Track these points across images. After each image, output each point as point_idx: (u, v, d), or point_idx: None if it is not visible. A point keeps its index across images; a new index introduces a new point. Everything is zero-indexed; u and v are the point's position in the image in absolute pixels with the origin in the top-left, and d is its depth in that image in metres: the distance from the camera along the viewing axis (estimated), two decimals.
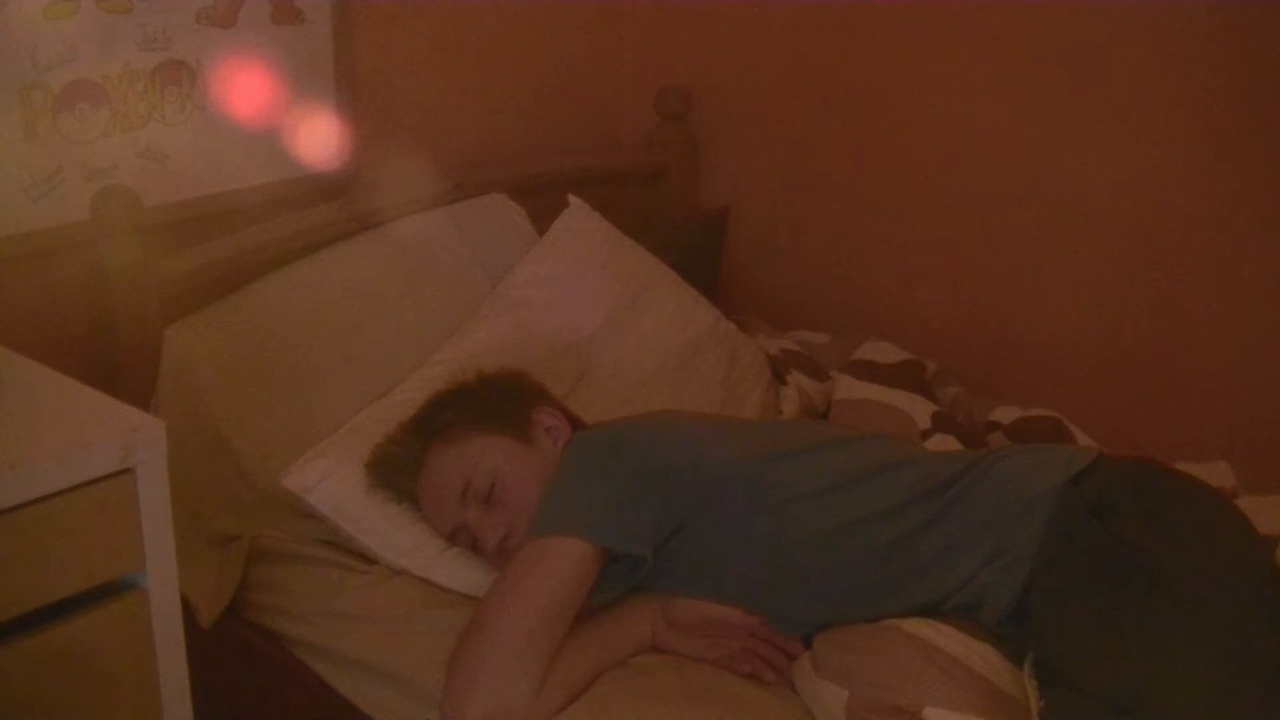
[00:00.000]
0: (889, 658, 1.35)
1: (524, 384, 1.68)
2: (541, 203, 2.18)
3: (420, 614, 1.53)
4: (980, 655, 1.37)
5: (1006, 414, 2.00)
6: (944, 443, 1.90)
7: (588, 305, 2.04)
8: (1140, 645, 1.29)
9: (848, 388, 2.05)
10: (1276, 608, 1.33)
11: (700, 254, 2.41)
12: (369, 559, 1.62)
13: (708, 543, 1.49)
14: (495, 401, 1.61)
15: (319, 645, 1.55)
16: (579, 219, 2.15)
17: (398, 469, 1.60)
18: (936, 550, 1.46)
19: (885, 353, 2.19)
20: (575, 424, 1.66)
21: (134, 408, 1.30)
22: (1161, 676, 1.27)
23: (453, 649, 1.39)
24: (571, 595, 1.41)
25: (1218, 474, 1.83)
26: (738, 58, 2.49)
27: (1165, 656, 1.28)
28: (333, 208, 2.00)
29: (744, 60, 2.48)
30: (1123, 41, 2.03)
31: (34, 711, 1.22)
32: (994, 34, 2.15)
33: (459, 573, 1.58)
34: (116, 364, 1.67)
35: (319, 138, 2.01)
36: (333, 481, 1.62)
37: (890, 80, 2.30)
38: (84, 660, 1.24)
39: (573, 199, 2.18)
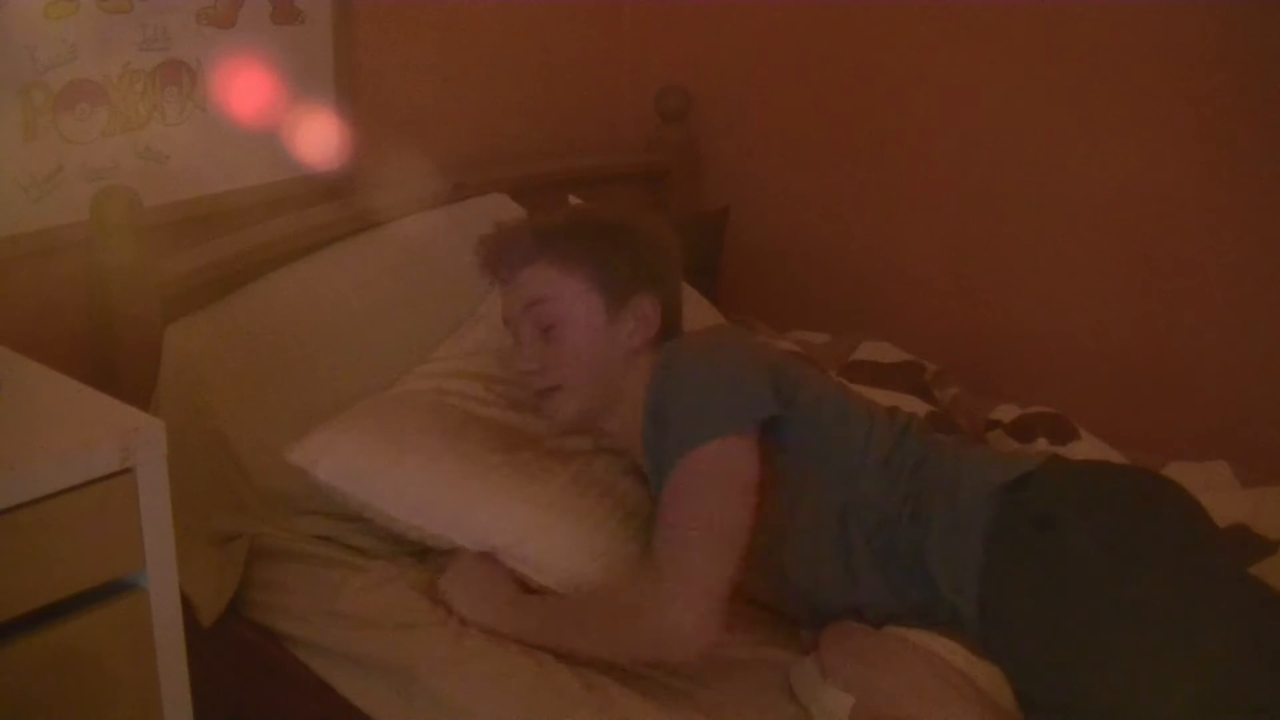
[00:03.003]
0: (897, 670, 1.35)
1: (661, 268, 1.63)
2: (541, 203, 2.17)
3: (420, 614, 1.53)
4: (984, 673, 1.37)
5: (1007, 413, 2.00)
6: None
7: None
8: (1101, 662, 1.28)
9: None
10: (1235, 609, 1.31)
11: (700, 254, 2.40)
12: (370, 556, 1.62)
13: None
14: (620, 262, 1.58)
15: (319, 644, 1.54)
16: None
17: (504, 258, 1.62)
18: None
19: (884, 353, 2.19)
20: (668, 325, 1.63)
21: (134, 408, 1.30)
22: (1128, 691, 1.26)
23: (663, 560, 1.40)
24: (747, 493, 1.43)
25: (1217, 473, 1.83)
26: (738, 58, 2.49)
27: (1127, 671, 1.27)
28: (333, 208, 2.00)
29: (744, 60, 2.48)
30: (1122, 41, 2.03)
31: (34, 711, 1.22)
32: (994, 34, 2.15)
33: (476, 531, 1.55)
34: (116, 364, 1.67)
35: (319, 138, 2.01)
36: (338, 447, 1.59)
37: (890, 80, 2.30)
38: (84, 660, 1.24)
39: (573, 199, 2.18)
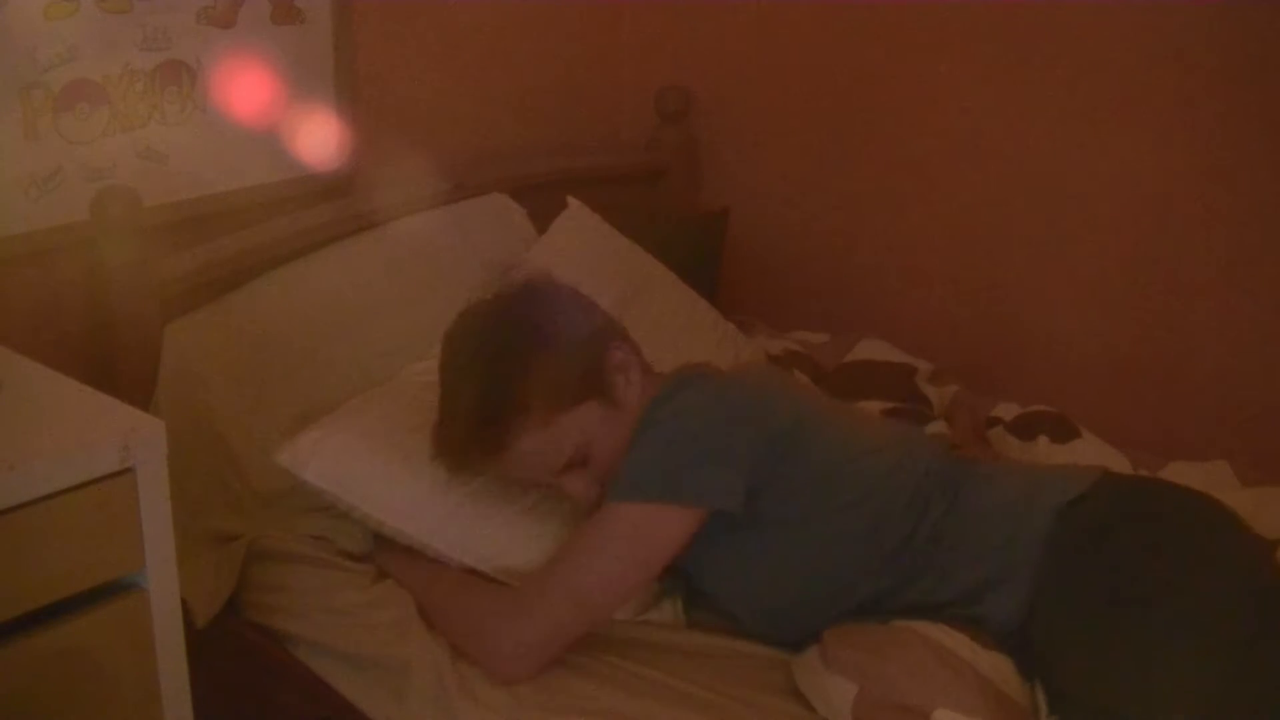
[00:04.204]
0: (901, 658, 1.35)
1: (594, 333, 1.53)
2: (541, 203, 2.18)
3: (419, 610, 1.53)
4: (989, 662, 1.37)
5: (1007, 411, 2.00)
6: None
7: None
8: (1145, 672, 1.29)
9: None
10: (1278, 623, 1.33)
11: (700, 254, 2.41)
12: (367, 558, 1.62)
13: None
14: (567, 362, 1.48)
15: (318, 642, 1.55)
16: (577, 221, 2.15)
17: (481, 455, 1.50)
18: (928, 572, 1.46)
19: (879, 352, 2.19)
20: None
21: (134, 408, 1.30)
22: (1168, 701, 1.27)
23: (535, 579, 1.45)
24: (652, 563, 1.44)
25: (1217, 473, 1.82)
26: (738, 58, 2.49)
27: (1171, 682, 1.28)
28: (333, 208, 2.00)
29: (744, 60, 2.48)
30: (1123, 41, 2.03)
31: (34, 711, 1.22)
32: (994, 34, 2.15)
33: (463, 539, 1.56)
34: (116, 364, 1.67)
35: (319, 138, 2.01)
36: (326, 449, 1.58)
37: (890, 80, 2.30)
38: (84, 660, 1.24)
39: (571, 201, 2.18)
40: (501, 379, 1.47)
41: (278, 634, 1.59)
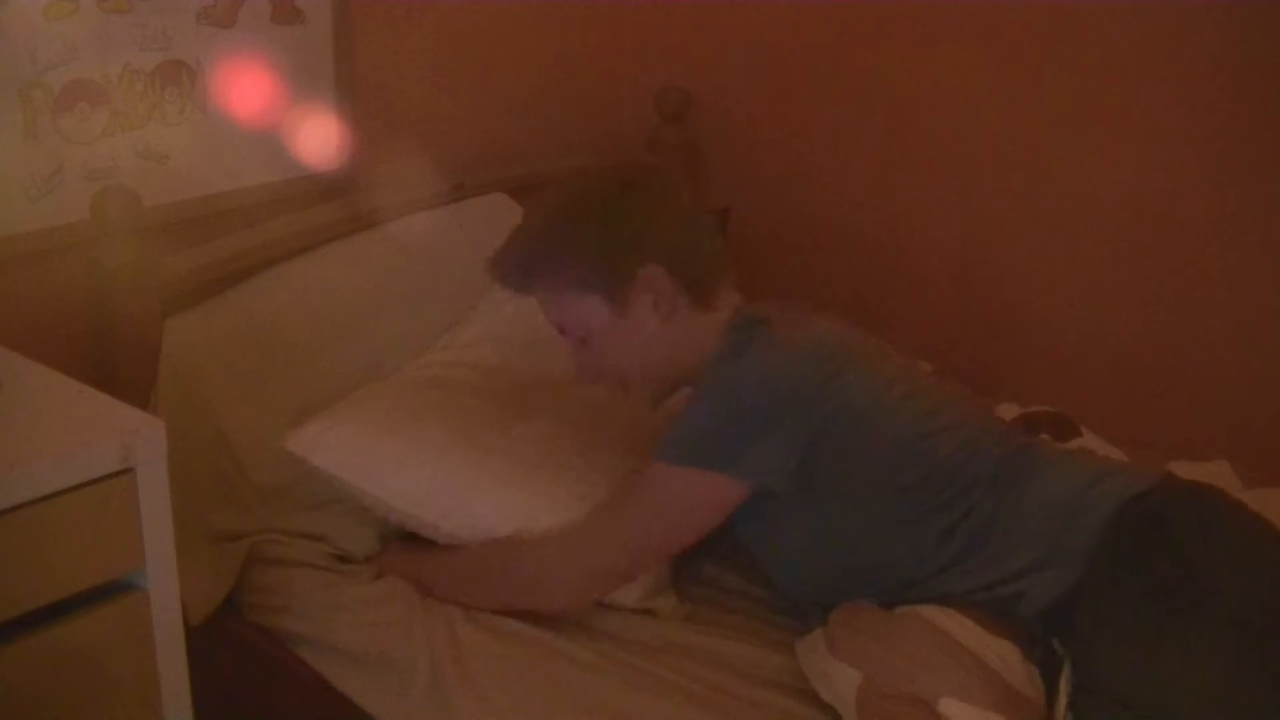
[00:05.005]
0: (907, 646, 1.35)
1: (642, 234, 1.54)
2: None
3: (420, 609, 1.53)
4: (996, 651, 1.36)
5: (1008, 411, 2.00)
6: None
7: None
8: (1188, 665, 1.28)
9: None
10: None
11: None
12: (366, 560, 1.62)
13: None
14: (595, 255, 1.53)
15: (318, 639, 1.54)
16: None
17: (506, 285, 1.63)
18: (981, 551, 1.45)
19: None
20: (697, 271, 1.58)
21: (134, 408, 1.30)
22: (1207, 699, 1.26)
23: (575, 528, 1.52)
24: (699, 525, 1.49)
25: (1217, 473, 1.82)
26: (738, 58, 2.49)
27: (1197, 685, 1.27)
28: (333, 208, 2.00)
29: (744, 60, 2.48)
30: (1124, 41, 2.03)
31: (34, 711, 1.22)
32: (994, 34, 2.15)
33: (472, 522, 1.57)
34: (116, 364, 1.67)
35: (319, 138, 2.01)
36: (334, 436, 1.60)
37: (891, 80, 2.30)
38: (84, 660, 1.24)
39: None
40: (544, 240, 1.57)
41: (278, 633, 1.59)
